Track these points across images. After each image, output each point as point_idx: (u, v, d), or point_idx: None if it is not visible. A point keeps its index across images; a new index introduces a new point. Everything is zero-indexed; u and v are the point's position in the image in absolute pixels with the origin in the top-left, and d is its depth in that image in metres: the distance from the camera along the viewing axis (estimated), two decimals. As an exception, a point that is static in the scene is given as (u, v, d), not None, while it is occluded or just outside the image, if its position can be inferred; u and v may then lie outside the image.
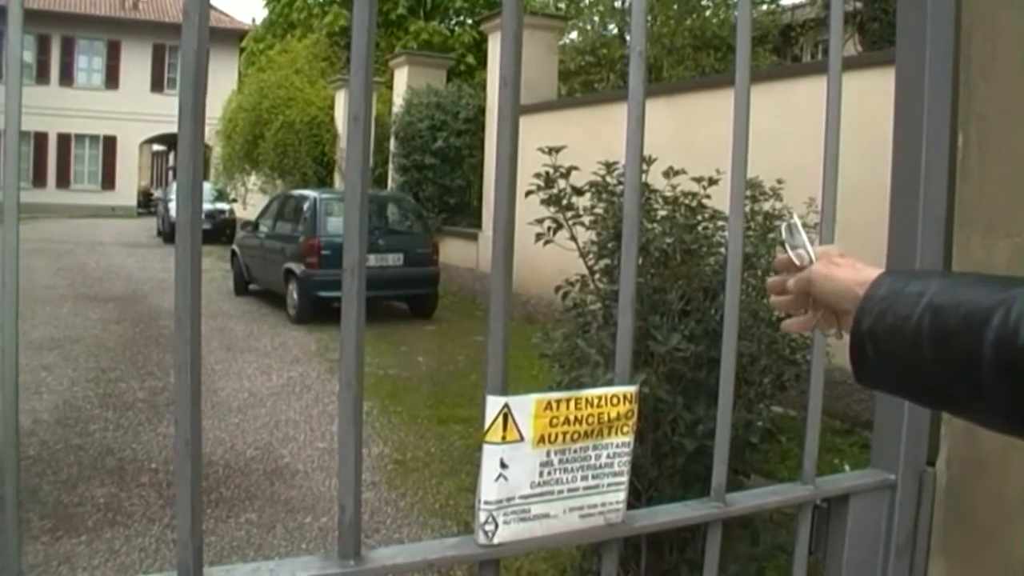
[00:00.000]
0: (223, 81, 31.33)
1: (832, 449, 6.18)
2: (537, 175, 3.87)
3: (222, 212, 25.31)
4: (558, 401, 1.26)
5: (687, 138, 7.81)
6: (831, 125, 1.60)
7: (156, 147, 44.21)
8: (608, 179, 3.96)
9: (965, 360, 0.88)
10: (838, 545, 1.74)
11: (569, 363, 3.79)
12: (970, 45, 1.72)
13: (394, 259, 12.59)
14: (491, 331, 1.24)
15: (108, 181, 39.59)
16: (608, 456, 1.32)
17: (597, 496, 1.32)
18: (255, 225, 14.75)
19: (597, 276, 3.98)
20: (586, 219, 3.95)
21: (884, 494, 1.76)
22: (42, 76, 37.54)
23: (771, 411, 4.04)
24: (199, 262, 1.09)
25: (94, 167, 39.59)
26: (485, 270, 12.02)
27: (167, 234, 25.46)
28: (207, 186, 25.26)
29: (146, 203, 38.88)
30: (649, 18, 14.01)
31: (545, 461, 1.26)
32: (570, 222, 3.91)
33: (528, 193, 3.78)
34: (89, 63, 39.26)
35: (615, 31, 16.45)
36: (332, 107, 20.72)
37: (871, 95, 3.73)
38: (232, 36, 36.12)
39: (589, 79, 16.96)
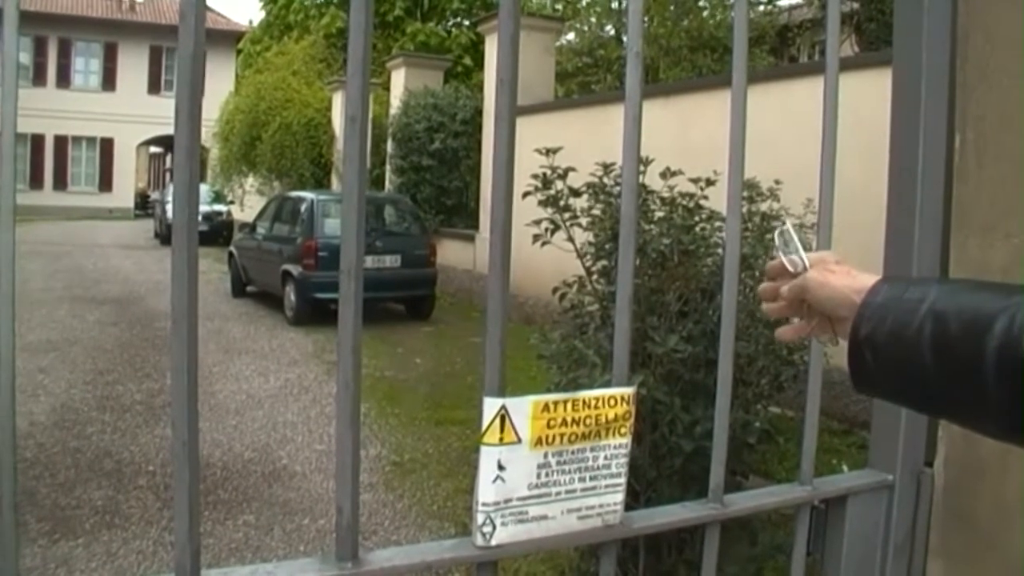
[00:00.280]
0: (220, 83, 31.37)
1: (830, 450, 6.19)
2: (534, 176, 3.87)
3: (219, 214, 25.33)
4: (555, 403, 1.26)
5: (684, 139, 7.81)
6: (828, 126, 1.60)
7: (153, 149, 44.19)
8: (605, 180, 3.96)
9: (967, 367, 0.88)
10: (836, 546, 1.73)
11: (567, 364, 3.79)
12: (967, 46, 1.72)
13: (391, 261, 12.59)
14: (488, 333, 1.24)
15: (105, 183, 39.58)
16: (606, 457, 1.32)
17: (595, 498, 1.32)
18: (252, 227, 14.76)
19: (595, 277, 3.98)
20: (583, 220, 3.96)
21: (882, 495, 1.76)
22: (39, 78, 37.55)
23: (769, 412, 4.04)
24: (195, 264, 1.08)
25: (91, 169, 39.58)
26: (482, 271, 12.04)
27: (164, 236, 25.45)
28: (204, 188, 25.25)
29: (143, 205, 38.87)
30: (646, 19, 14.05)
31: (543, 463, 1.26)
32: (567, 223, 3.91)
33: (525, 194, 3.77)
34: (86, 65, 39.26)
35: (612, 32, 16.48)
36: (329, 109, 20.73)
37: (868, 96, 3.73)
38: (229, 38, 36.11)
39: (586, 80, 16.99)
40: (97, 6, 38.78)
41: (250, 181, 22.82)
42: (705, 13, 14.94)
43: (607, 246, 3.90)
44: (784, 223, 1.18)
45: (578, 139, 6.88)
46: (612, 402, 1.31)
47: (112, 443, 6.71)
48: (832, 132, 1.60)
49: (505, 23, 1.22)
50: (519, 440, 1.23)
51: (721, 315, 1.53)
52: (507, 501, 1.24)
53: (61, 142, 38.07)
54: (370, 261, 11.96)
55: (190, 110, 1.06)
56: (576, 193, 3.93)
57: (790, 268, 1.14)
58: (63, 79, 38.41)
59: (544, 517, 1.28)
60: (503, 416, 1.22)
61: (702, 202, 3.98)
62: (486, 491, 1.23)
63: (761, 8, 15.60)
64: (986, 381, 0.86)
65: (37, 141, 37.18)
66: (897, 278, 1.06)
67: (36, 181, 37.52)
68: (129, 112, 37.46)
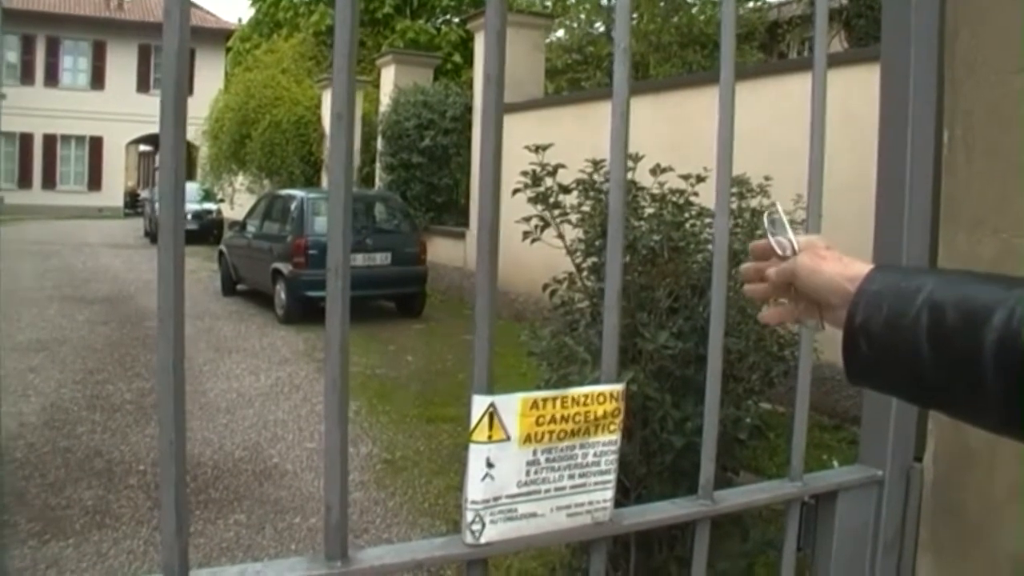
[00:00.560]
0: (210, 81, 31.31)
1: (820, 445, 6.20)
2: (524, 173, 3.86)
3: (209, 212, 25.28)
4: (544, 400, 1.25)
5: (674, 135, 7.82)
6: (816, 121, 1.60)
7: (143, 147, 44.03)
8: (595, 177, 3.96)
9: (964, 359, 0.87)
10: (826, 541, 1.74)
11: (557, 361, 3.79)
12: (955, 41, 1.72)
13: (382, 258, 12.59)
14: (476, 330, 1.23)
15: (95, 182, 39.45)
16: (595, 455, 1.31)
17: (584, 495, 1.32)
18: (242, 225, 14.73)
19: (585, 274, 3.98)
20: (573, 217, 3.95)
21: (872, 490, 1.76)
22: (27, 77, 37.40)
23: (759, 407, 4.04)
24: (182, 262, 1.08)
25: (80, 168, 39.43)
26: (473, 269, 11.88)
27: (154, 234, 25.24)
28: (194, 186, 25.21)
29: (133, 204, 38.71)
30: (635, 16, 14.06)
31: (532, 460, 1.26)
32: (557, 220, 3.91)
33: (515, 191, 3.77)
34: (74, 63, 39.09)
35: (601, 29, 16.48)
36: (319, 106, 20.68)
37: (858, 92, 3.74)
38: (218, 36, 36.01)
39: (576, 77, 16.98)
40: (85, 4, 38.61)
41: (240, 179, 22.76)
42: (695, 9, 14.94)
43: (597, 243, 3.90)
44: (774, 204, 1.17)
45: (568, 136, 6.88)
46: (601, 399, 1.31)
47: (102, 443, 6.70)
48: (820, 128, 1.60)
49: (492, 19, 1.21)
50: (508, 437, 1.23)
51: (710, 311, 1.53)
52: (496, 499, 1.24)
53: (50, 141, 37.92)
54: (360, 259, 11.96)
55: (175, 108, 1.06)
56: (566, 190, 3.92)
57: (778, 250, 1.12)
58: (51, 78, 38.24)
59: (534, 515, 1.28)
60: (492, 413, 1.22)
61: (692, 198, 3.98)
62: (475, 489, 1.23)
63: (751, 4, 15.63)
64: (984, 373, 0.85)
65: (26, 140, 37.07)
66: (891, 267, 1.05)
67: (25, 180, 37.42)
68: (118, 111, 37.31)
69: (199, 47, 34.76)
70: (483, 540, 1.25)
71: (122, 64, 38.84)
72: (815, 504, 1.73)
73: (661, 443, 3.58)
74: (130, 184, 42.28)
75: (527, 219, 3.88)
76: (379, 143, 16.81)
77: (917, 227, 1.75)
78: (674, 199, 3.96)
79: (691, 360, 3.57)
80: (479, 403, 1.22)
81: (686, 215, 3.94)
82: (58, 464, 6.17)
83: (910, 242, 1.74)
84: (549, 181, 3.88)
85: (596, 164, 3.94)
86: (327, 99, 20.01)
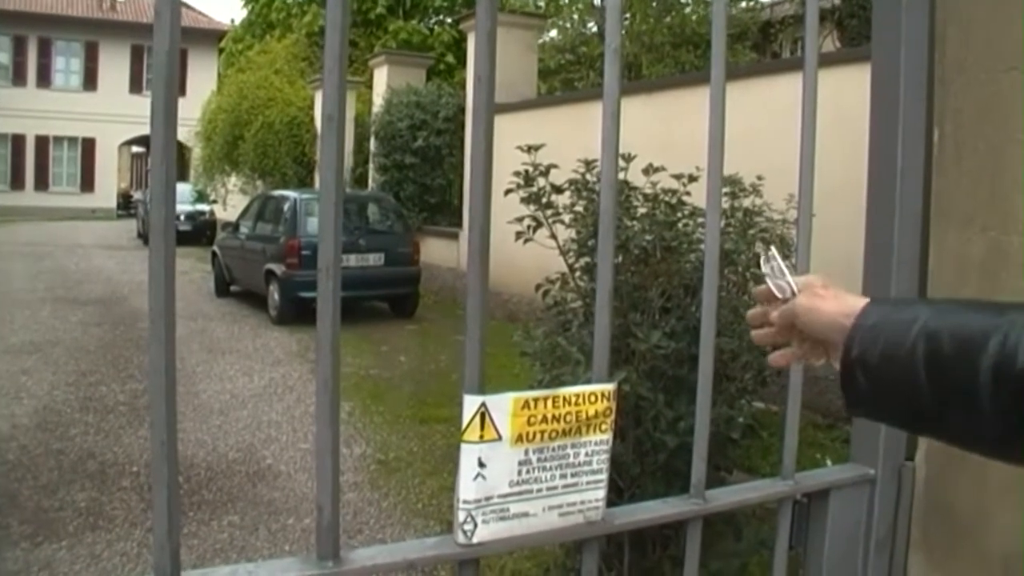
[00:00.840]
0: (202, 82, 31.21)
1: (814, 444, 6.21)
2: (516, 173, 3.87)
3: (202, 213, 25.23)
4: (536, 399, 1.26)
5: (667, 135, 7.81)
6: (807, 121, 1.60)
7: (136, 149, 43.93)
8: (587, 177, 3.97)
9: (961, 386, 0.88)
10: (818, 540, 1.74)
11: (550, 361, 3.79)
12: (945, 40, 1.73)
13: (375, 259, 12.58)
14: (468, 330, 1.23)
15: (87, 183, 39.34)
16: (587, 454, 1.32)
17: (576, 494, 1.32)
18: (235, 226, 14.70)
19: (577, 274, 3.98)
20: (566, 217, 3.96)
21: (864, 489, 1.76)
22: (19, 78, 37.32)
23: (752, 407, 4.04)
24: (173, 263, 1.08)
25: (73, 169, 39.32)
26: (466, 269, 11.94)
27: (147, 236, 25.03)
28: (187, 187, 25.17)
29: (126, 205, 38.60)
30: (628, 16, 14.08)
31: (523, 460, 1.26)
32: (550, 220, 3.91)
33: (508, 191, 3.78)
34: (67, 64, 38.97)
35: (594, 29, 16.50)
36: (312, 107, 20.64)
37: (850, 91, 3.74)
38: (211, 36, 35.93)
39: (569, 77, 17.01)
40: (77, 5, 38.52)
41: (233, 180, 22.70)
42: (687, 9, 14.98)
43: (589, 243, 3.90)
44: (770, 249, 1.18)
45: (560, 136, 6.88)
46: (592, 399, 1.31)
47: (95, 444, 6.68)
48: (811, 127, 1.60)
49: (483, 20, 1.22)
50: (500, 437, 1.23)
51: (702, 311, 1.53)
52: (488, 498, 1.24)
53: (42, 142, 37.82)
54: (353, 259, 11.95)
55: (166, 108, 1.06)
56: (558, 190, 3.93)
57: (778, 294, 1.13)
58: (43, 79, 38.12)
59: (526, 514, 1.28)
60: (483, 413, 1.22)
61: (685, 198, 3.99)
62: (467, 488, 1.23)
63: (743, 4, 15.66)
64: (981, 400, 0.86)
65: (18, 141, 36.97)
66: (884, 300, 1.07)
67: (17, 182, 37.31)
68: (111, 112, 37.19)
69: (191, 48, 34.68)
70: (475, 540, 1.25)
71: (115, 65, 38.74)
72: (807, 503, 1.74)
73: (654, 443, 3.59)
74: (123, 185, 42.17)
75: (520, 219, 3.89)
76: (372, 144, 16.79)
77: (908, 225, 1.75)
78: (666, 199, 3.97)
79: (684, 360, 3.58)
80: (470, 403, 1.22)
81: (678, 215, 3.95)
82: (51, 466, 6.16)
83: (901, 240, 1.75)
84: (542, 181, 3.89)
85: (588, 164, 3.95)
86: (320, 100, 20.01)
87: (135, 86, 38.78)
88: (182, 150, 25.08)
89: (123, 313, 12.90)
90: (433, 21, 25.15)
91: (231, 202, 22.09)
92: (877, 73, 1.80)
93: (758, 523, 3.80)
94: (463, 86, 16.02)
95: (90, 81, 39.00)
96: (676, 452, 3.48)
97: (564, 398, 1.28)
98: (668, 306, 3.75)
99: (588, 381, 1.36)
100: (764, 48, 18.05)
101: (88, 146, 38.91)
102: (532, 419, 1.25)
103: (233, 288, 14.81)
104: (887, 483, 1.77)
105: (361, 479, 6.12)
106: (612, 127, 1.36)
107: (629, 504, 1.57)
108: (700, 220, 3.96)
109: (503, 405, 1.23)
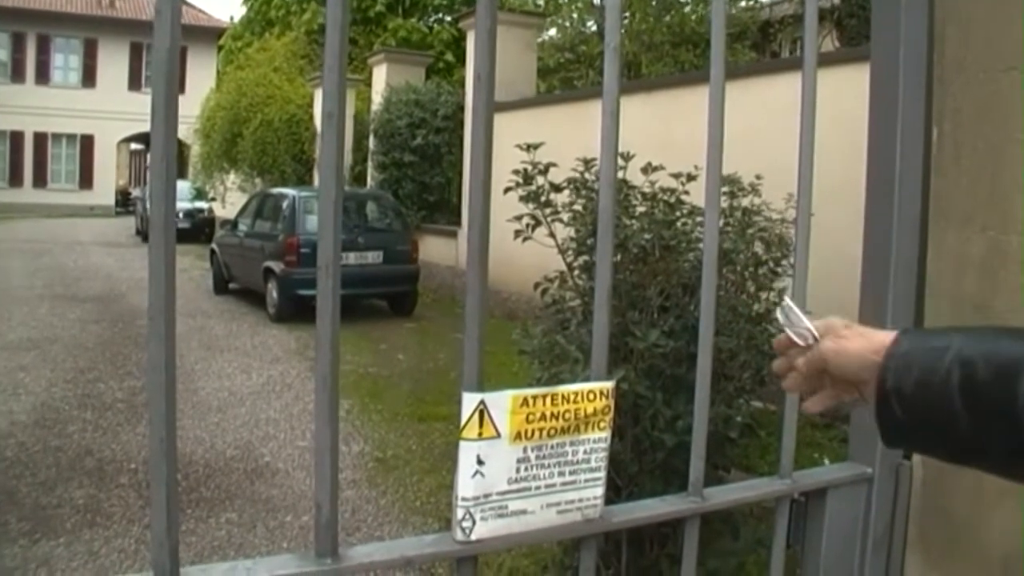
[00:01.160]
0: (201, 79, 31.15)
1: (812, 443, 6.20)
2: (516, 172, 3.87)
3: (201, 211, 25.24)
4: (534, 397, 1.26)
5: (666, 134, 7.81)
6: (806, 120, 1.60)
7: (134, 146, 43.90)
8: (586, 175, 3.97)
9: (999, 412, 0.87)
10: (816, 539, 1.74)
11: (549, 360, 3.79)
12: (944, 40, 1.73)
13: (374, 257, 12.58)
14: (467, 328, 1.24)
15: (86, 180, 39.30)
16: (585, 452, 1.32)
17: (574, 492, 1.32)
18: (234, 224, 14.69)
19: (576, 272, 3.98)
20: (565, 216, 3.96)
21: (861, 488, 1.77)
22: (17, 75, 37.30)
23: (751, 406, 4.05)
24: (173, 260, 1.08)
25: (71, 166, 39.28)
26: (465, 267, 11.94)
27: (146, 233, 24.98)
28: (186, 185, 25.15)
29: (124, 202, 38.58)
30: (628, 15, 14.08)
31: (522, 457, 1.26)
32: (549, 219, 3.91)
33: (507, 190, 3.78)
34: (65, 61, 38.93)
35: (594, 28, 16.50)
36: (311, 105, 20.62)
37: (850, 91, 3.74)
38: (210, 34, 35.89)
39: (568, 76, 17.01)
40: (76, 2, 38.47)
41: (232, 178, 22.67)
42: (687, 9, 14.99)
43: (588, 241, 3.90)
44: (783, 299, 1.17)
45: (560, 135, 6.88)
46: (591, 396, 1.31)
47: (94, 441, 6.68)
48: (810, 127, 1.61)
49: (482, 18, 1.22)
50: (498, 435, 1.24)
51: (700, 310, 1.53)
52: (487, 496, 1.24)
53: (41, 139, 37.80)
54: (352, 257, 11.95)
55: (166, 106, 1.06)
56: (557, 188, 3.93)
57: (799, 342, 1.11)
58: (42, 76, 38.09)
59: (524, 512, 1.28)
60: (482, 411, 1.22)
61: (683, 197, 3.99)
62: (465, 486, 1.23)
63: (743, 3, 15.66)
64: (1020, 425, 0.85)
65: (16, 138, 36.96)
66: (915, 329, 1.05)
67: (15, 178, 37.29)
68: (110, 109, 37.16)
69: (191, 45, 34.63)
70: (473, 537, 1.25)
71: (114, 62, 38.70)
72: (805, 502, 1.74)
73: (653, 441, 3.59)
74: (121, 183, 42.14)
75: (519, 218, 3.89)
76: (371, 142, 16.78)
77: (906, 225, 1.75)
78: (665, 198, 3.97)
79: (682, 358, 3.58)
80: (469, 400, 1.22)
81: (677, 214, 3.95)
82: (49, 463, 6.15)
83: (899, 240, 1.75)
84: (541, 179, 3.89)
85: (587, 163, 3.95)
86: (319, 98, 20.01)
87: (134, 83, 38.76)
88: (181, 147, 25.01)
89: (121, 310, 12.89)
90: (432, 19, 25.14)
91: (230, 200, 22.06)
92: (876, 72, 1.80)
93: (756, 522, 3.81)
94: (462, 84, 16.01)
95: (89, 78, 38.95)
96: (674, 451, 3.48)
97: (563, 396, 1.28)
98: (666, 305, 3.75)
99: (587, 379, 1.36)
100: (764, 47, 18.05)
101: (87, 143, 38.87)
102: (531, 417, 1.25)
103: (232, 286, 14.81)
104: (885, 482, 1.77)
105: (359, 477, 6.12)
106: (611, 126, 1.36)
107: (627, 502, 1.57)
108: (699, 219, 3.96)
109: (502, 403, 1.23)
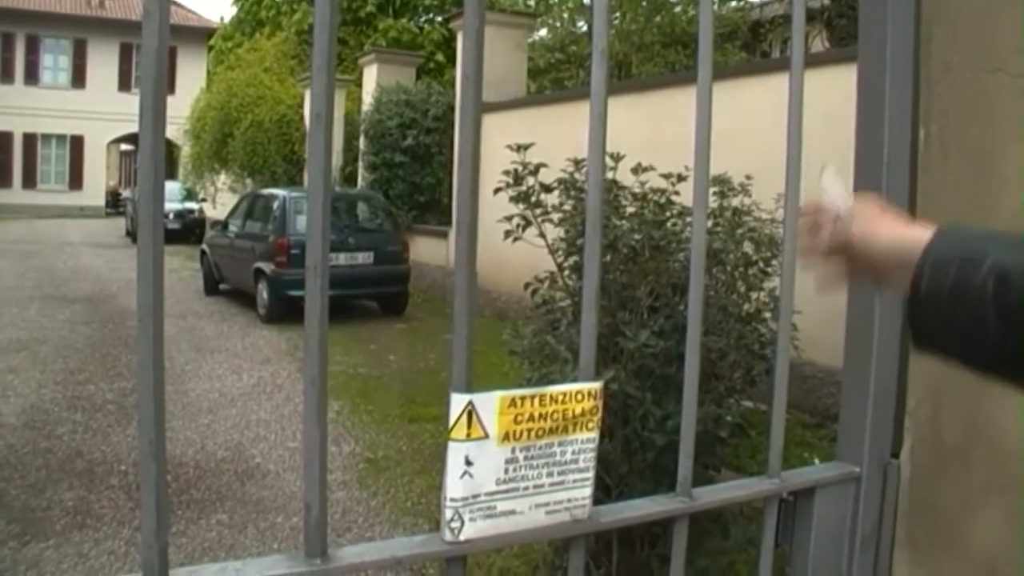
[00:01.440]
0: (192, 80, 31.09)
1: (802, 443, 6.22)
2: (506, 172, 3.87)
3: (191, 211, 25.22)
4: (523, 398, 1.26)
5: (656, 135, 7.82)
6: (793, 120, 1.61)
7: (124, 147, 43.82)
8: (576, 176, 3.97)
9: None
10: (804, 538, 1.75)
11: (539, 360, 3.80)
12: (931, 41, 1.74)
13: (364, 257, 12.57)
14: (455, 328, 1.24)
15: (76, 181, 39.20)
16: (573, 452, 1.32)
17: (563, 492, 1.32)
18: (224, 224, 14.67)
19: (566, 273, 3.99)
20: (555, 216, 3.96)
21: (849, 487, 1.77)
22: (6, 75, 37.20)
23: (741, 406, 4.06)
24: (161, 261, 1.08)
25: (61, 167, 39.18)
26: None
27: (136, 234, 25.17)
28: (176, 185, 25.11)
29: (115, 203, 38.51)
30: (618, 15, 14.09)
31: (510, 458, 1.26)
32: (539, 219, 3.92)
33: (497, 190, 3.78)
34: (55, 62, 38.84)
35: (584, 28, 16.50)
36: (302, 105, 20.59)
37: (839, 92, 3.75)
38: (200, 34, 35.89)
39: (559, 76, 17.01)
40: (66, 2, 38.38)
41: (222, 178, 22.66)
42: (677, 9, 15.00)
43: (578, 242, 3.91)
44: (827, 165, 1.15)
45: (550, 135, 6.88)
46: (579, 397, 1.31)
47: (83, 443, 6.66)
48: (797, 127, 1.61)
49: (470, 19, 1.22)
50: (486, 435, 1.24)
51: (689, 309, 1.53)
52: (475, 496, 1.25)
53: (30, 140, 37.69)
54: (343, 258, 11.95)
55: (155, 106, 1.06)
56: (547, 189, 3.94)
57: (831, 208, 1.10)
58: (31, 76, 37.99)
59: (512, 512, 1.28)
60: (470, 412, 1.22)
61: (673, 198, 4.00)
62: (454, 486, 1.23)
63: (733, 3, 15.67)
64: None
65: (5, 139, 36.86)
66: (955, 230, 1.01)
67: (4, 179, 37.17)
68: (99, 109, 37.10)
69: (180, 46, 34.57)
70: (462, 537, 1.25)
71: (103, 63, 38.62)
72: (793, 501, 1.74)
73: (643, 441, 3.60)
74: (111, 183, 42.07)
75: (509, 218, 3.89)
76: (361, 142, 16.78)
77: (894, 226, 1.76)
78: (655, 198, 3.98)
79: (672, 358, 3.59)
80: (458, 401, 1.22)
81: (667, 214, 3.96)
82: (38, 465, 6.14)
83: (887, 241, 1.75)
84: (531, 180, 3.90)
85: (577, 163, 3.96)
86: (310, 98, 19.96)
87: (124, 84, 38.67)
88: (171, 148, 24.98)
89: (111, 311, 12.86)
90: (423, 20, 25.16)
91: (220, 200, 22.05)
92: (863, 72, 1.81)
93: (746, 521, 3.82)
94: (453, 85, 16.01)
95: (78, 79, 38.85)
96: (664, 450, 3.49)
97: (551, 396, 1.29)
98: (656, 305, 3.76)
99: (576, 380, 1.36)
100: (754, 47, 18.07)
101: (76, 144, 38.77)
102: (519, 417, 1.26)
103: (222, 286, 14.79)
104: (872, 481, 1.78)
105: (350, 478, 6.12)
106: (599, 128, 1.36)
107: (617, 502, 1.57)
108: (689, 220, 3.97)
109: (490, 403, 1.24)
